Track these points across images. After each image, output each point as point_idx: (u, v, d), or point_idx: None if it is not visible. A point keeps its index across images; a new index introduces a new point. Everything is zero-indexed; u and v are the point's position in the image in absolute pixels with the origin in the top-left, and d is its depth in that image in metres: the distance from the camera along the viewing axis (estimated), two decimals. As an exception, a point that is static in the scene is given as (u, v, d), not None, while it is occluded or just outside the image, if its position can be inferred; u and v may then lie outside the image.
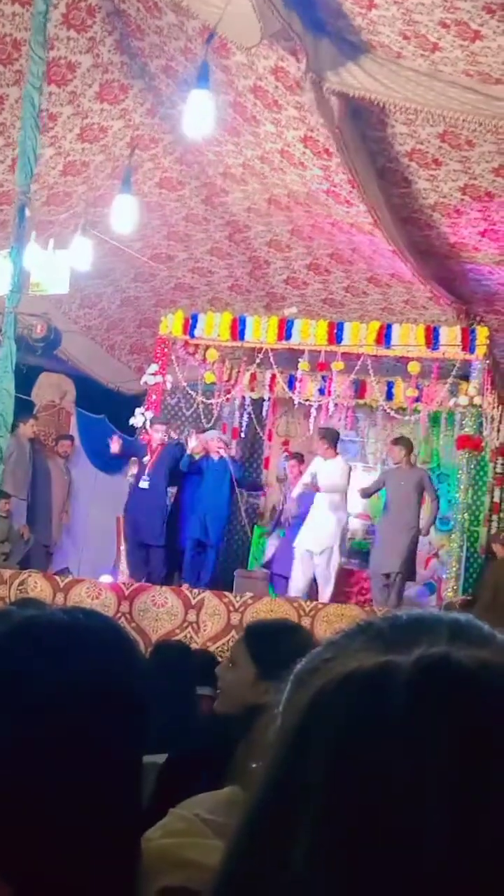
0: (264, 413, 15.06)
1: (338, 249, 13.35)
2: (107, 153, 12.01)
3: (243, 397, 14.33)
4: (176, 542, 13.05)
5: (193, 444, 12.98)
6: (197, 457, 13.03)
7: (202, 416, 13.86)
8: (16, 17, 9.67)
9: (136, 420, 13.25)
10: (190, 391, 13.84)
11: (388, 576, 12.11)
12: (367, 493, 13.08)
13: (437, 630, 0.81)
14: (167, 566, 12.93)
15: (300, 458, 13.63)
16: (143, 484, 12.70)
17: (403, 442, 12.66)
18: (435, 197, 11.42)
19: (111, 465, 14.63)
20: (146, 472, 12.72)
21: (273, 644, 3.41)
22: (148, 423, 13.05)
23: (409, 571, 12.28)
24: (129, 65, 11.01)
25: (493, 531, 13.33)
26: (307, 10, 9.02)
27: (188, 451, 12.94)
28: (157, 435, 12.85)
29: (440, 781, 0.71)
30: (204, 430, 13.46)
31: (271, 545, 14.02)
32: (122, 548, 13.16)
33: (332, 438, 12.55)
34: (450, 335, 12.47)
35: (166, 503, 13.16)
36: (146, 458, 12.78)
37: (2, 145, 11.04)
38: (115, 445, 12.94)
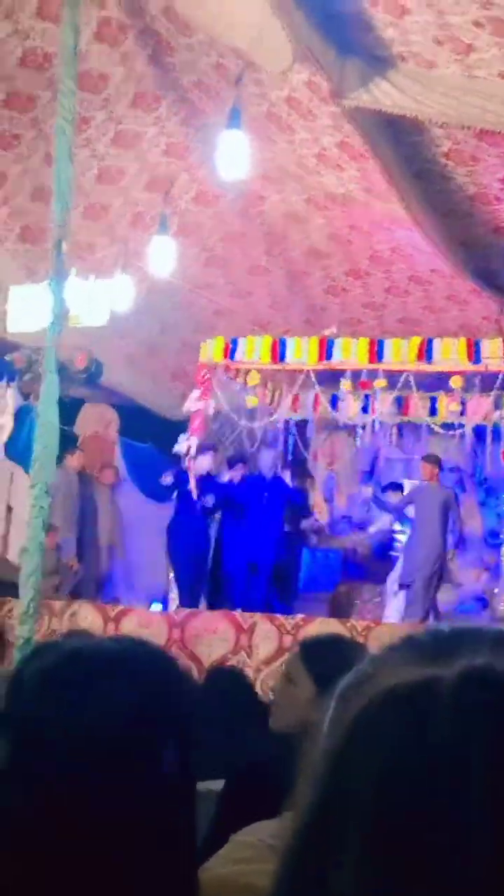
0: (309, 434, 15.00)
1: (377, 251, 13.38)
2: (141, 161, 12.05)
3: (287, 419, 14.31)
4: (226, 567, 13.00)
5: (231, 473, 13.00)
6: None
7: (245, 440, 13.83)
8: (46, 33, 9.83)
9: (181, 447, 13.24)
10: (233, 415, 13.83)
11: (403, 587, 12.13)
12: (397, 509, 13.03)
13: (480, 642, 0.80)
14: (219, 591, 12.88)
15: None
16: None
17: (431, 459, 12.63)
18: (473, 189, 11.45)
19: (159, 493, 14.61)
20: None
21: (331, 659, 3.34)
22: (193, 450, 13.00)
23: (427, 586, 12.20)
24: (161, 78, 11.09)
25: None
26: (334, 31, 9.05)
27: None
28: (204, 462, 12.80)
29: (486, 795, 0.71)
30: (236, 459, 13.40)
31: None
32: (171, 575, 13.12)
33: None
34: (492, 347, 12.39)
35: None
36: (190, 486, 12.68)
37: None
38: (167, 478, 12.88)
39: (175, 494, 12.93)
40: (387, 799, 0.74)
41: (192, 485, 12.62)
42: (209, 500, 12.64)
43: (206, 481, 12.70)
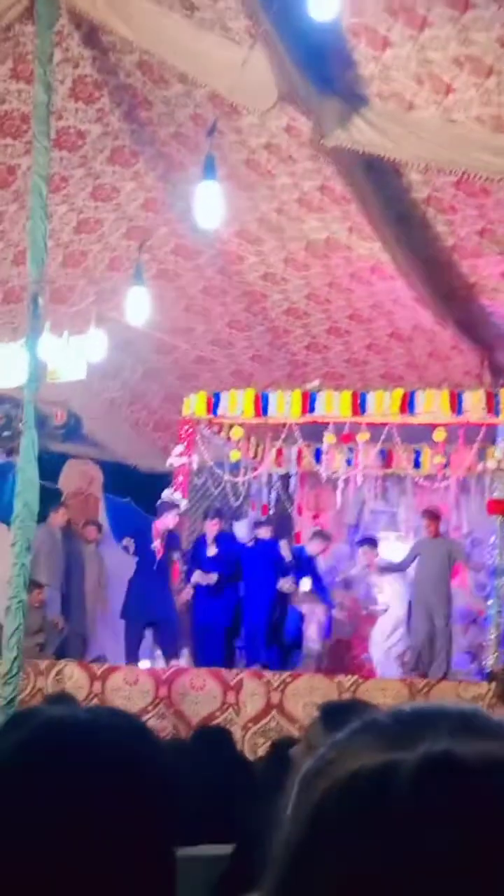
0: (292, 488, 14.96)
1: (356, 309, 13.42)
2: (119, 212, 12.11)
3: (270, 474, 14.28)
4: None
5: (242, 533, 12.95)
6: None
7: (230, 495, 13.80)
8: (21, 94, 9.89)
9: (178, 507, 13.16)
10: (216, 470, 13.80)
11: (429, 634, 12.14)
12: (401, 567, 13.01)
13: (442, 723, 0.78)
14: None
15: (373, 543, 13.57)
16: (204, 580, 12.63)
17: (429, 513, 12.71)
18: (453, 240, 11.53)
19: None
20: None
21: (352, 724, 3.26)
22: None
23: (445, 640, 12.22)
24: (138, 132, 11.16)
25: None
26: (316, 67, 9.12)
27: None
28: (168, 519, 12.68)
29: (447, 882, 0.69)
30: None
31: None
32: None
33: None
34: (474, 399, 12.41)
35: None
36: (155, 545, 12.51)
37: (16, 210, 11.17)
38: (158, 546, 12.71)
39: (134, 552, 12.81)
40: (349, 888, 0.72)
41: (156, 543, 12.46)
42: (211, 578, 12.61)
43: (171, 538, 12.64)
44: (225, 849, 3.83)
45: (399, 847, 0.71)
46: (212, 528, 12.93)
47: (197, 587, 12.73)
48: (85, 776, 1.27)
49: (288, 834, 0.79)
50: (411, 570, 12.75)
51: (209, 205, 10.12)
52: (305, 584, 12.84)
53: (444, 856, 0.70)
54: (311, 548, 13.29)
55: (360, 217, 11.23)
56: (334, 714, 3.49)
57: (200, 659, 12.40)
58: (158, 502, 13.06)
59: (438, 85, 9.05)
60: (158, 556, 12.42)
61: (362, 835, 0.73)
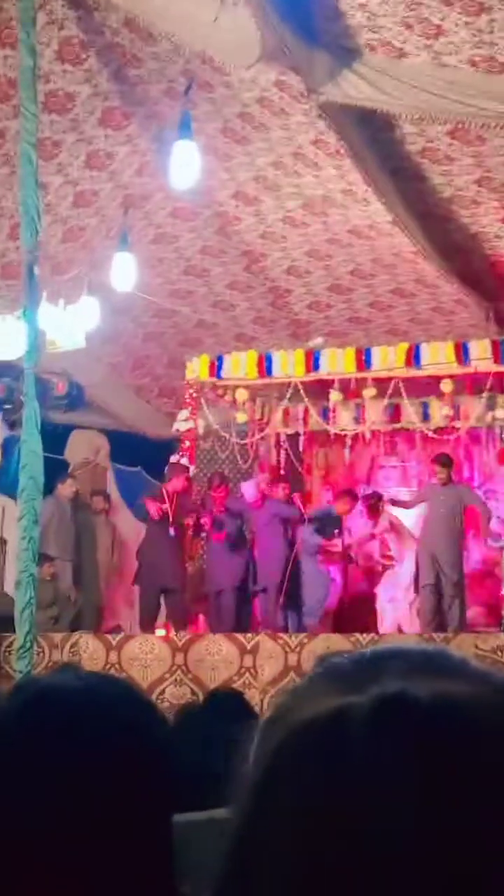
0: (300, 448, 14.87)
1: (358, 265, 13.30)
2: (115, 181, 12.00)
3: (278, 434, 14.20)
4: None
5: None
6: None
7: (238, 458, 13.73)
8: (7, 59, 9.80)
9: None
10: (223, 433, 13.73)
11: (435, 586, 11.95)
12: (406, 505, 12.96)
13: (399, 665, 0.78)
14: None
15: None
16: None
17: (441, 460, 12.45)
18: (451, 191, 11.44)
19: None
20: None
21: None
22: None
23: (460, 584, 12.10)
24: (128, 92, 11.03)
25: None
26: (301, 19, 8.97)
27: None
28: (179, 483, 12.57)
29: (402, 823, 0.70)
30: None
31: None
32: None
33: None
34: (480, 349, 12.33)
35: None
36: (165, 507, 12.35)
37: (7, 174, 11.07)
38: (152, 509, 12.61)
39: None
40: (304, 832, 0.72)
41: (166, 507, 12.34)
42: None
43: (182, 502, 12.55)
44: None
45: (354, 788, 0.71)
46: (218, 495, 12.76)
47: (211, 550, 12.67)
48: (77, 743, 1.27)
49: (248, 782, 0.79)
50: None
51: (186, 164, 10.12)
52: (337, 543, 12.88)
53: (398, 795, 0.70)
54: (340, 507, 13.19)
55: (355, 173, 11.09)
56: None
57: (215, 623, 12.36)
58: (167, 466, 12.98)
59: (428, 28, 8.89)
60: (170, 521, 12.32)
61: (318, 778, 0.73)
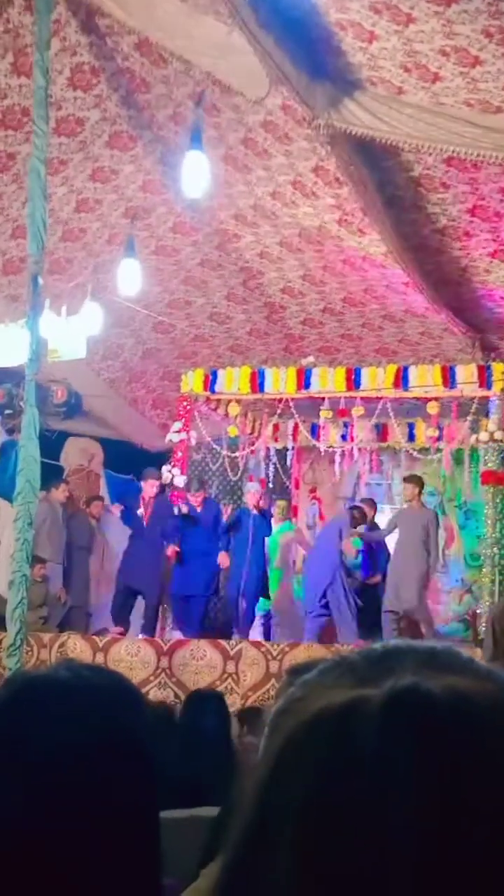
0: (289, 462, 15.16)
1: (350, 293, 13.56)
2: (118, 193, 12.29)
3: (267, 448, 14.47)
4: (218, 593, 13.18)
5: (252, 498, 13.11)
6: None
7: (228, 470, 13.98)
8: (22, 88, 10.05)
9: (164, 477, 13.37)
10: (215, 446, 13.98)
11: (397, 614, 12.09)
12: (381, 536, 13.24)
13: (410, 660, 0.79)
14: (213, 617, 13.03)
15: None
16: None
17: (413, 479, 12.72)
18: (444, 220, 11.64)
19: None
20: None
21: None
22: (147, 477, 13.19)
23: (422, 610, 12.27)
24: (136, 117, 11.30)
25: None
26: (306, 54, 9.26)
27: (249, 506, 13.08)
28: (152, 488, 12.97)
29: (411, 815, 0.70)
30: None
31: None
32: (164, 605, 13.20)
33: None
34: (466, 373, 12.52)
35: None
36: (140, 511, 12.85)
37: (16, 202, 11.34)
38: (116, 511, 13.12)
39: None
40: (312, 823, 0.72)
41: (141, 510, 12.80)
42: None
43: (160, 506, 12.92)
44: (215, 810, 3.97)
45: (364, 780, 0.71)
46: (196, 499, 13.14)
47: (181, 556, 12.98)
48: (63, 733, 1.29)
49: (256, 774, 0.78)
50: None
51: (196, 174, 10.30)
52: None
53: (409, 788, 0.70)
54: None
55: (352, 204, 11.34)
56: (302, 672, 3.66)
57: (182, 628, 12.68)
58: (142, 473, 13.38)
59: (426, 74, 9.19)
60: (145, 524, 12.73)
61: (328, 769, 0.73)
